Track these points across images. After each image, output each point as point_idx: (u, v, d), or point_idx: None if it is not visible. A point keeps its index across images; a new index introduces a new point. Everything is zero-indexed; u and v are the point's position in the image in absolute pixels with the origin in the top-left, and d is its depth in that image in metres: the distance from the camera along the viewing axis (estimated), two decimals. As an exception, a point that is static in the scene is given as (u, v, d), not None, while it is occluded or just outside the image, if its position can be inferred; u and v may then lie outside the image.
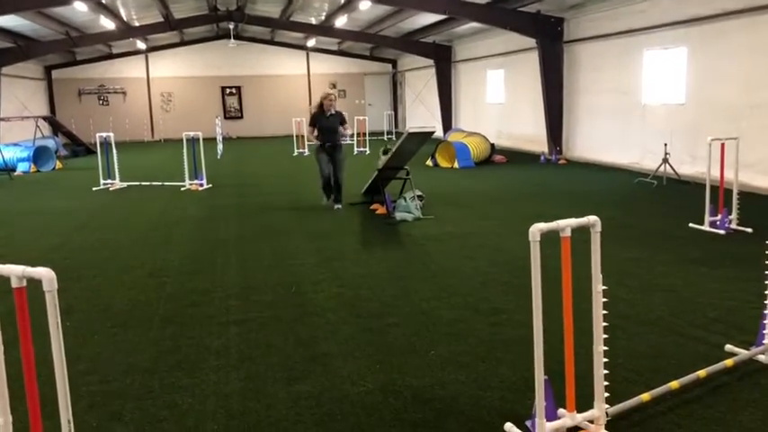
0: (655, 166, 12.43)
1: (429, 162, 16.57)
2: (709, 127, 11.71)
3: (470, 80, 24.13)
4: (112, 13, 21.02)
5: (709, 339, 4.54)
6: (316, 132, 10.27)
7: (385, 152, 10.32)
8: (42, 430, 2.53)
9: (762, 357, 4.12)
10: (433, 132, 10.00)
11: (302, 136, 21.56)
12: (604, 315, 3.24)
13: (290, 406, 3.75)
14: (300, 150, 21.44)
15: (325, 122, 10.20)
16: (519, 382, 3.94)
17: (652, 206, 10.08)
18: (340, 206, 10.43)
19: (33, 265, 2.45)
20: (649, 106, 14.04)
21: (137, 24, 24.05)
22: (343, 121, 10.36)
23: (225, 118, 30.49)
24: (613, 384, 3.57)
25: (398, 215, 9.37)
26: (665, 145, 12.13)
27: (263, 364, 4.34)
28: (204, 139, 14.20)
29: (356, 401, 3.78)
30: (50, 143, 20.83)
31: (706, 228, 8.05)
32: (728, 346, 4.30)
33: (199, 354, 4.56)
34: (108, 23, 21.45)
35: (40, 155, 18.43)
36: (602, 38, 15.29)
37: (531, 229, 2.96)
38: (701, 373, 3.86)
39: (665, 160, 11.98)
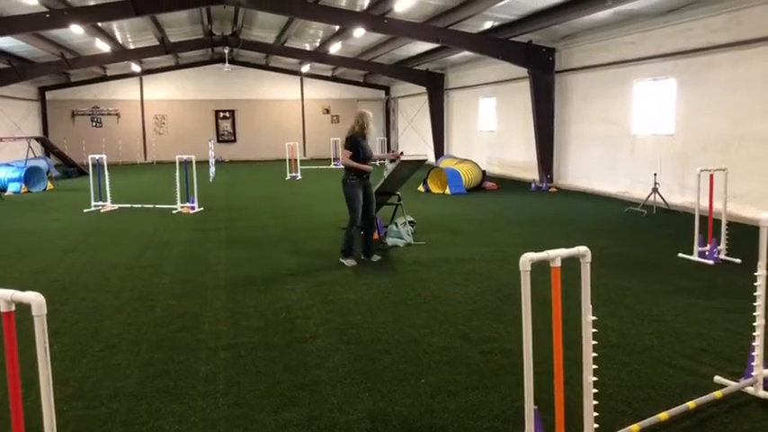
0: (644, 196, 12.52)
1: (421, 188, 16.63)
2: (698, 157, 11.85)
3: (462, 108, 24.33)
4: (108, 35, 21.14)
5: (698, 370, 4.55)
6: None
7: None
8: (27, 456, 2.50)
9: (750, 389, 4.13)
10: (424, 161, 9.98)
11: (295, 160, 21.64)
12: (594, 345, 3.24)
13: (279, 433, 3.72)
14: (293, 174, 21.49)
15: (367, 148, 8.17)
16: (509, 411, 3.93)
17: (642, 235, 10.14)
18: (379, 256, 8.44)
19: (22, 286, 2.44)
20: (639, 136, 14.19)
21: (132, 47, 24.17)
22: None
23: (218, 141, 30.57)
24: (603, 414, 3.57)
25: (390, 241, 9.38)
26: (655, 175, 12.24)
27: (252, 391, 4.31)
28: (197, 162, 14.22)
29: (345, 429, 3.75)
30: (42, 164, 20.80)
31: (695, 258, 8.09)
32: (718, 378, 4.31)
33: (187, 379, 4.52)
34: (103, 46, 21.57)
35: (31, 175, 18.38)
36: (593, 68, 15.49)
37: (521, 259, 2.98)
38: (691, 404, 3.87)
39: (655, 190, 12.08)
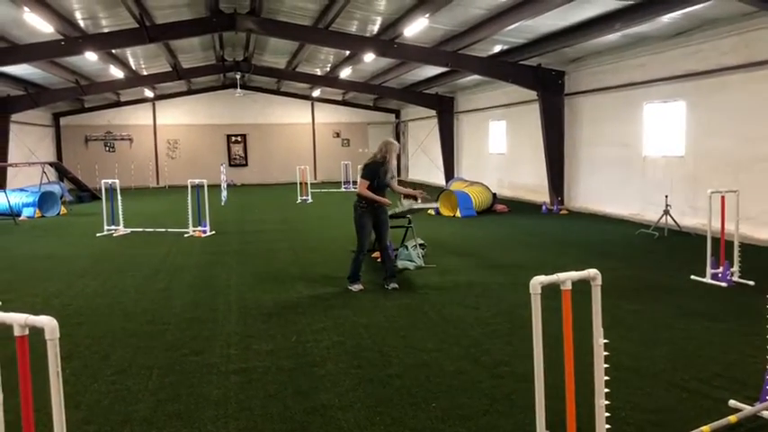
0: (656, 218, 12.47)
1: (431, 211, 16.64)
2: (709, 179, 11.82)
3: (472, 131, 24.41)
4: (121, 62, 21.45)
5: (712, 394, 4.50)
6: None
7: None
8: (39, 481, 2.51)
9: (766, 413, 4.08)
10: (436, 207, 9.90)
11: (305, 183, 21.75)
12: (606, 368, 3.22)
13: (289, 458, 3.70)
14: (304, 198, 21.58)
15: (383, 177, 7.95)
16: (520, 435, 3.90)
17: (654, 258, 10.08)
18: (396, 284, 8.12)
19: (35, 310, 2.47)
20: (650, 158, 14.17)
21: (145, 73, 24.49)
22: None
23: (230, 165, 30.77)
24: (616, 439, 3.53)
25: (400, 263, 9.37)
26: (666, 197, 12.20)
27: (262, 415, 4.31)
28: (209, 186, 14.32)
29: (356, 454, 3.73)
30: (56, 189, 20.99)
31: (708, 280, 8.03)
32: (732, 402, 4.26)
33: (198, 403, 4.52)
34: (117, 72, 21.87)
35: (45, 200, 18.55)
36: (603, 91, 15.54)
37: (531, 282, 2.98)
38: (705, 429, 3.82)
39: (667, 212, 12.03)
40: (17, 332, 2.43)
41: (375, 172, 7.89)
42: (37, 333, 2.45)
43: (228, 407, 4.46)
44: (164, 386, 4.87)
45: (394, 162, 8.11)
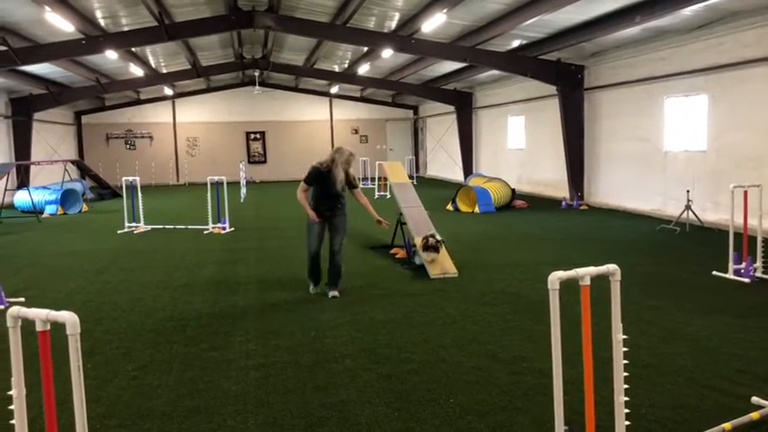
0: (677, 213, 12.34)
1: (449, 207, 16.61)
2: (731, 174, 11.66)
3: (491, 126, 24.31)
4: (141, 60, 21.63)
5: (734, 391, 4.44)
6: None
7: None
8: (60, 474, 2.54)
9: (789, 410, 4.02)
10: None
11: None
12: (625, 364, 3.20)
13: (307, 453, 3.72)
14: (322, 195, 21.59)
15: (330, 187, 7.55)
16: (539, 432, 3.89)
17: (675, 253, 9.98)
18: (336, 293, 7.58)
19: (57, 306, 2.50)
20: (671, 153, 14.02)
21: (165, 71, 24.68)
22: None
23: (249, 162, 30.92)
24: (635, 436, 3.51)
25: (418, 260, 9.35)
26: (688, 192, 12.06)
27: (281, 410, 4.33)
28: (228, 183, 14.40)
29: (374, 450, 3.74)
30: (78, 186, 21.24)
31: (730, 276, 7.93)
32: (755, 399, 4.20)
33: (217, 398, 4.56)
34: (137, 70, 22.06)
35: (67, 198, 18.78)
36: (623, 85, 15.39)
37: (549, 278, 2.96)
38: (727, 426, 3.78)
39: (688, 207, 11.89)
40: (39, 327, 2.47)
41: (314, 177, 7.44)
42: (59, 328, 2.48)
43: (247, 402, 4.49)
44: (183, 381, 4.91)
45: (340, 173, 7.43)
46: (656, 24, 12.68)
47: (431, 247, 8.55)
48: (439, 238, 8.87)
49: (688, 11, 11.51)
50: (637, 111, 15.04)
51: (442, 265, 8.72)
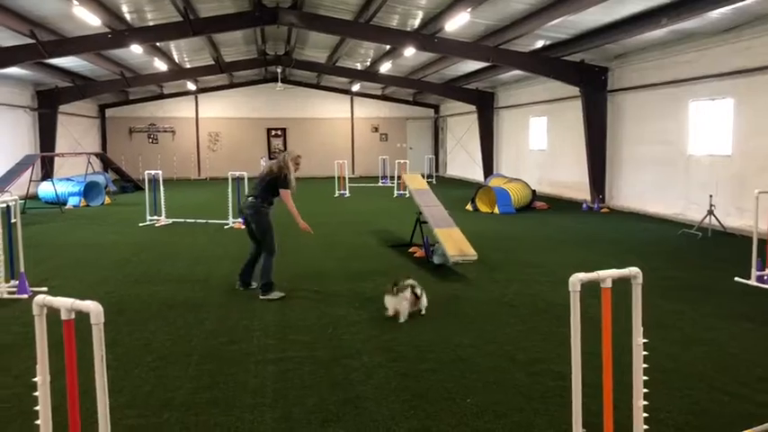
0: (699, 218, 12.20)
1: (469, 207, 16.57)
2: (756, 179, 11.52)
3: (513, 127, 24.20)
4: (166, 55, 21.81)
5: (755, 398, 4.39)
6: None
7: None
8: (82, 461, 2.58)
9: (811, 419, 3.97)
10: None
11: (343, 177, 21.87)
12: (645, 369, 3.18)
13: (324, 448, 3.74)
14: (341, 192, 21.68)
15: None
16: (556, 434, 3.87)
17: (696, 258, 9.87)
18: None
19: (80, 296, 2.53)
20: (694, 157, 13.86)
21: (188, 66, 24.87)
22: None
23: (270, 159, 31.02)
24: (654, 441, 3.48)
25: (437, 259, 9.35)
26: (711, 196, 11.93)
27: (298, 405, 4.35)
28: (249, 179, 14.45)
29: (390, 447, 3.75)
30: (100, 179, 21.48)
31: (753, 282, 7.83)
32: (776, 407, 4.16)
33: (235, 391, 4.59)
34: (161, 65, 22.25)
35: (90, 190, 19.00)
36: (647, 88, 15.24)
37: (571, 279, 2.95)
38: (747, 433, 3.74)
39: (711, 212, 11.76)
40: (64, 316, 2.51)
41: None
42: (82, 318, 2.52)
43: (265, 395, 4.52)
44: (202, 373, 4.96)
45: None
46: (682, 27, 12.55)
47: (399, 289, 6.49)
48: (418, 291, 6.63)
49: (715, 13, 11.38)
50: (661, 114, 14.89)
51: (460, 247, 8.69)
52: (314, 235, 8.88)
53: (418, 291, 6.52)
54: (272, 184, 7.64)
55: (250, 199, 7.67)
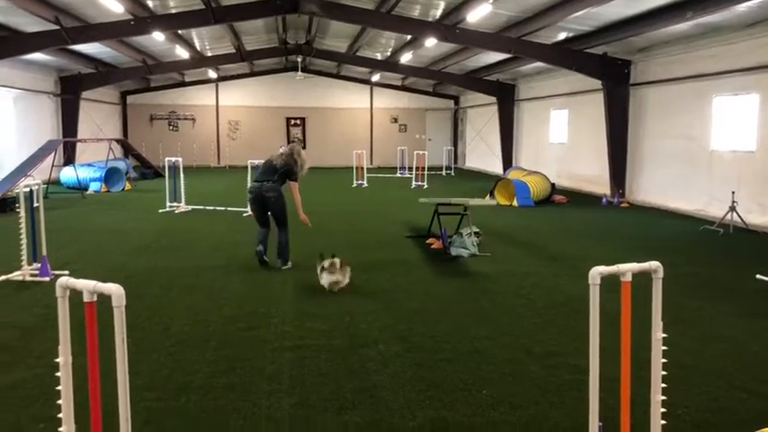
0: (721, 214, 12.06)
1: (487, 199, 16.49)
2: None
3: (533, 119, 24.04)
4: (187, 42, 21.91)
5: (774, 396, 4.35)
6: None
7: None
8: (102, 441, 2.62)
9: (831, 419, 3.92)
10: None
11: (362, 168, 21.88)
12: (663, 363, 3.15)
13: (339, 435, 3.76)
14: (359, 182, 21.69)
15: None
16: (572, 427, 3.86)
17: (717, 255, 9.77)
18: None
19: (100, 281, 2.56)
20: (717, 153, 13.70)
21: (209, 54, 24.97)
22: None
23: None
24: (671, 436, 3.46)
25: (454, 251, 9.35)
26: (733, 193, 11.78)
27: (315, 392, 4.38)
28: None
29: (405, 435, 3.76)
30: (121, 165, 21.68)
31: (775, 280, 7.75)
32: (795, 405, 4.12)
33: (252, 377, 4.63)
34: (182, 53, 22.36)
35: (111, 176, 19.18)
36: (671, 82, 15.06)
37: (591, 272, 2.93)
38: (765, 430, 3.70)
39: (733, 208, 11.62)
40: (86, 298, 2.54)
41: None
42: (102, 302, 2.55)
43: (282, 382, 4.55)
44: (220, 359, 5.00)
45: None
46: (707, 20, 12.37)
47: (324, 269, 7.26)
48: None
49: (742, 7, 11.19)
50: (684, 108, 14.71)
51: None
52: (332, 223, 8.92)
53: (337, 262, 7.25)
54: (286, 174, 8.52)
55: (270, 184, 8.41)
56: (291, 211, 8.61)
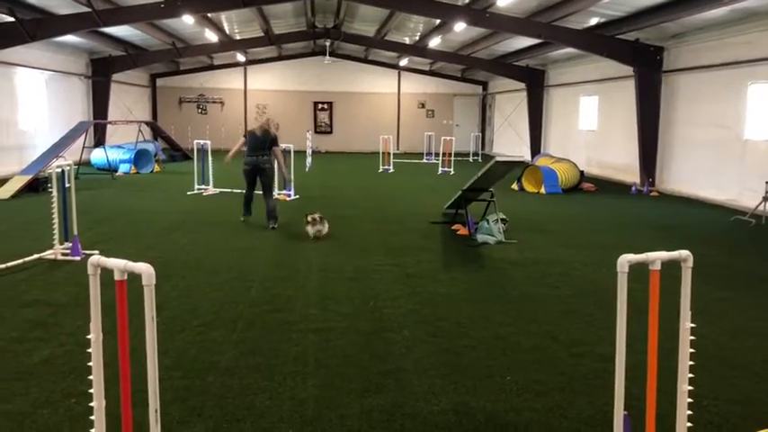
0: (754, 205, 11.84)
1: (514, 186, 16.39)
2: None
3: (562, 105, 23.77)
4: (216, 26, 22.00)
5: (804, 390, 4.28)
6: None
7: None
8: (132, 417, 2.67)
9: None
10: (520, 162, 9.83)
11: (388, 153, 21.83)
12: (691, 354, 3.12)
13: (363, 418, 3.80)
14: (385, 167, 21.66)
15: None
16: (597, 415, 3.85)
17: (749, 246, 9.61)
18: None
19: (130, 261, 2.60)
20: (751, 142, 13.43)
21: (238, 38, 25.05)
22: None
23: (315, 132, 31.16)
24: (696, 427, 3.42)
25: (480, 237, 9.31)
26: (767, 183, 11.54)
27: (339, 374, 4.41)
28: (294, 152, 14.58)
29: (428, 419, 3.78)
30: (150, 147, 21.91)
31: (807, 272, 7.60)
32: (826, 399, 4.05)
33: (278, 358, 4.68)
34: (211, 36, 22.46)
35: (140, 158, 19.41)
36: (704, 69, 14.77)
37: (619, 260, 2.90)
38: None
39: (766, 198, 11.39)
40: (117, 276, 2.58)
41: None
42: (131, 281, 2.59)
43: (307, 364, 4.59)
44: (246, 340, 5.06)
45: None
46: (743, 6, 12.08)
47: (309, 222, 9.36)
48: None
49: (781, -8, 10.92)
50: (717, 96, 14.42)
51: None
52: (358, 208, 8.95)
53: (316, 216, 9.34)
54: (272, 142, 10.45)
55: (265, 157, 10.35)
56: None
